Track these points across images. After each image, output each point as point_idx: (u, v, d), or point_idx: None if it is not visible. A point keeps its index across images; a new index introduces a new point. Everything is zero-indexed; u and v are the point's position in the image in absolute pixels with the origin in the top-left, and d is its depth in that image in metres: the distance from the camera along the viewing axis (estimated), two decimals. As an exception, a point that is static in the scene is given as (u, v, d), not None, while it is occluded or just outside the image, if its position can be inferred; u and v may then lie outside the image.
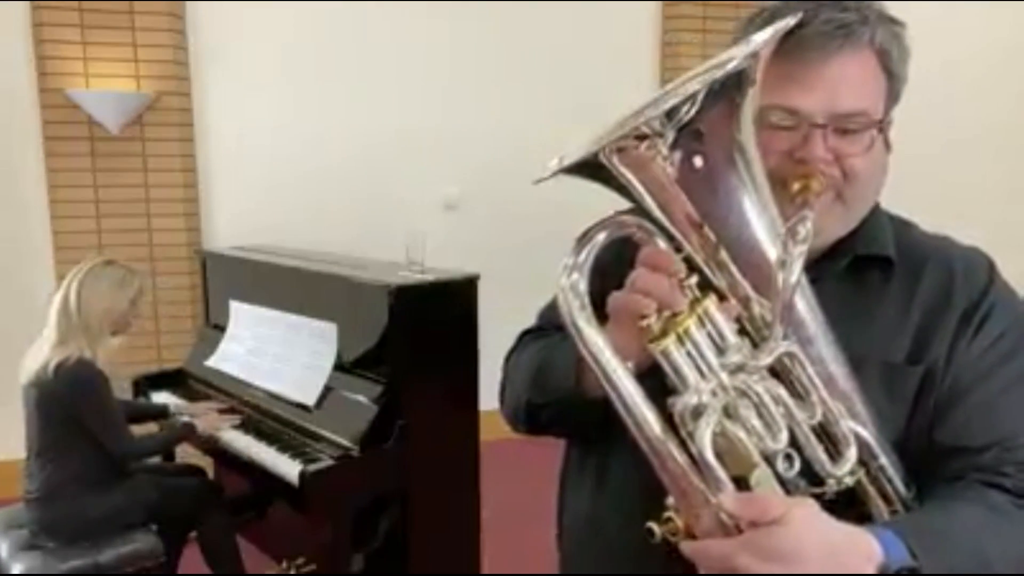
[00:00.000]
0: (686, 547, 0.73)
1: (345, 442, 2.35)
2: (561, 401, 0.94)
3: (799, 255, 0.76)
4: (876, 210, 0.95)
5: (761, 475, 0.72)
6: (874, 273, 0.92)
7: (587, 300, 0.75)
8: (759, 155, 0.80)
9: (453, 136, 4.14)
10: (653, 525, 0.74)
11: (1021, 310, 0.93)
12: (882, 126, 0.88)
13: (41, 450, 2.38)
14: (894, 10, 0.90)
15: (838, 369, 0.82)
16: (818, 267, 0.88)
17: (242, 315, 2.96)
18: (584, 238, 0.77)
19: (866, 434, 0.82)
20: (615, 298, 0.80)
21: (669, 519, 0.74)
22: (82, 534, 2.36)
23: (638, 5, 4.37)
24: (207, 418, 2.64)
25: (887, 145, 0.91)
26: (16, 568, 2.30)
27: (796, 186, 0.83)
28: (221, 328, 3.05)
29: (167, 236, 3.68)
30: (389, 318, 2.38)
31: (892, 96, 0.90)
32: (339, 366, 2.51)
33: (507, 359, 1.11)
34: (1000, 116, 4.65)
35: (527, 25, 4.19)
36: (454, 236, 3.81)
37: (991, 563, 0.77)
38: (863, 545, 0.72)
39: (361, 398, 2.41)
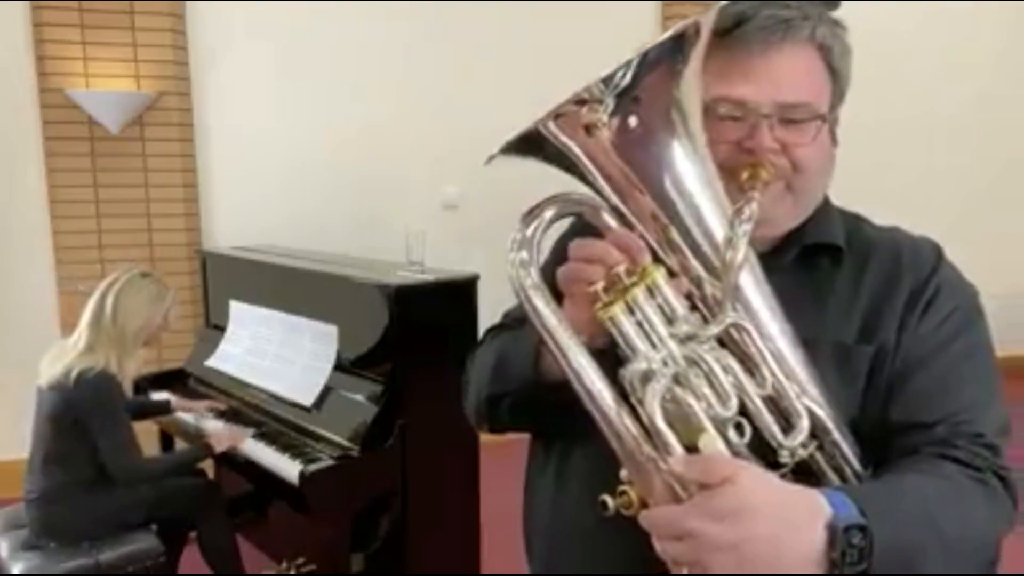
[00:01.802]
0: (639, 517, 0.73)
1: (345, 442, 2.34)
2: (521, 389, 0.95)
3: (744, 233, 0.77)
4: (826, 203, 0.99)
5: (708, 439, 0.72)
6: (824, 261, 0.95)
7: (537, 275, 0.77)
8: (709, 147, 0.83)
9: (453, 136, 4.13)
10: (607, 498, 0.75)
11: (968, 291, 0.96)
12: (827, 119, 0.91)
13: (47, 453, 2.37)
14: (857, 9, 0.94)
15: (788, 348, 0.83)
16: (770, 258, 0.90)
17: (242, 315, 2.96)
18: (531, 214, 0.79)
19: (819, 410, 0.82)
20: (562, 270, 0.81)
21: (623, 492, 0.75)
22: (82, 534, 2.36)
23: (638, 5, 4.37)
24: (222, 436, 2.54)
25: (834, 140, 0.95)
26: (16, 568, 2.30)
27: (745, 174, 0.86)
28: (221, 328, 3.06)
29: (167, 236, 3.68)
30: (389, 318, 2.38)
31: (837, 94, 0.94)
32: (339, 366, 2.51)
33: (470, 357, 1.11)
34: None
35: (527, 25, 4.19)
36: (454, 236, 3.81)
37: (942, 529, 0.78)
38: (812, 503, 0.72)
39: (361, 398, 2.41)
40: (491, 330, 1.13)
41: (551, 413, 0.92)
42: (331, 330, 2.55)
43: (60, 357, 2.37)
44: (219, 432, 2.60)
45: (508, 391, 0.98)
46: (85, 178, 3.55)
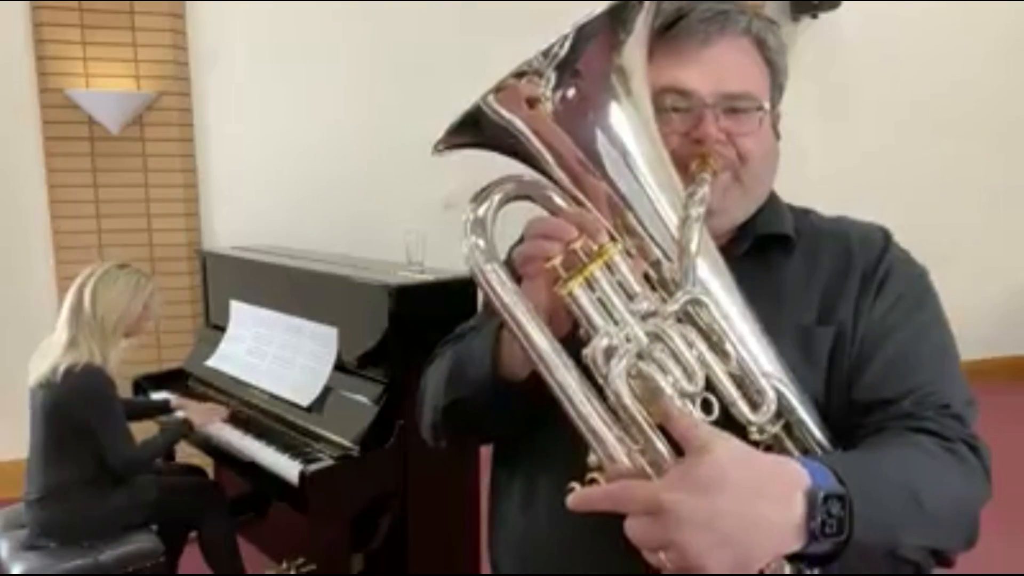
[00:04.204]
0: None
1: (345, 442, 2.34)
2: (480, 392, 0.93)
3: (698, 216, 0.79)
4: (774, 197, 1.01)
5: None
6: (776, 251, 0.98)
7: (491, 254, 0.78)
8: (660, 138, 0.85)
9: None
10: (576, 485, 0.73)
11: (917, 270, 0.98)
12: (767, 110, 0.94)
13: (44, 452, 2.37)
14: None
15: (750, 331, 0.84)
16: (723, 252, 0.90)
17: (242, 315, 2.96)
18: (481, 194, 0.80)
19: (783, 388, 0.82)
20: (519, 249, 0.82)
21: (593, 480, 0.73)
22: (82, 534, 2.36)
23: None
24: (199, 411, 2.66)
25: (776, 134, 0.99)
26: (16, 568, 2.30)
27: (694, 164, 0.88)
28: (221, 328, 3.05)
29: (167, 236, 3.67)
30: (389, 318, 2.38)
31: (776, 87, 0.97)
32: (339, 366, 2.51)
33: (424, 376, 1.11)
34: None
35: (525, 24, 4.18)
36: (454, 236, 3.80)
37: (920, 497, 0.77)
38: (790, 471, 0.71)
39: (361, 398, 2.41)
40: (442, 344, 1.13)
41: (511, 416, 0.92)
42: (331, 331, 2.55)
43: (46, 355, 2.38)
44: (198, 408, 2.70)
45: (466, 395, 0.96)
46: (85, 178, 3.55)
